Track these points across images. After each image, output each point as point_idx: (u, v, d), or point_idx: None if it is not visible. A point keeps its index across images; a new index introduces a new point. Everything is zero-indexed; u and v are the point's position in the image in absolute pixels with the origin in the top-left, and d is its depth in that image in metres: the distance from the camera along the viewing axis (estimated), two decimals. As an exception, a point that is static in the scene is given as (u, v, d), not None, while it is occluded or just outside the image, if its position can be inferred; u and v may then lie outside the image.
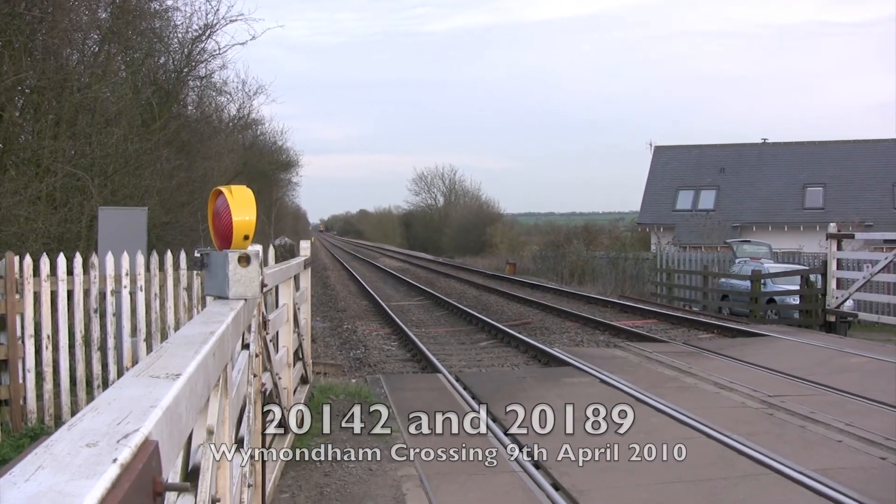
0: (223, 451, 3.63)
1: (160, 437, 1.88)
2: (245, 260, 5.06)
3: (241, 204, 5.27)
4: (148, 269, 12.94)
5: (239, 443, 5.32)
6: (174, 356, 2.74)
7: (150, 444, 1.78)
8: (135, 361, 12.74)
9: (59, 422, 11.89)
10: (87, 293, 12.42)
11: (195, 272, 13.29)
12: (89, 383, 12.40)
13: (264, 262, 9.69)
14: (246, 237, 5.25)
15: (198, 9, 53.82)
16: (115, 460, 1.59)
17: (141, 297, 12.79)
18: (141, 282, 12.79)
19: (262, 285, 5.90)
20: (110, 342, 12.56)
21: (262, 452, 6.92)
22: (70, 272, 12.24)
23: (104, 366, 12.59)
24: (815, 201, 60.50)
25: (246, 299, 5.05)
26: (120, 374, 12.57)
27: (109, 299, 12.58)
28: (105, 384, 12.44)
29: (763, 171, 64.14)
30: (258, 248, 5.49)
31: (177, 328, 13.25)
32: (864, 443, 10.54)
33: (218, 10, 30.81)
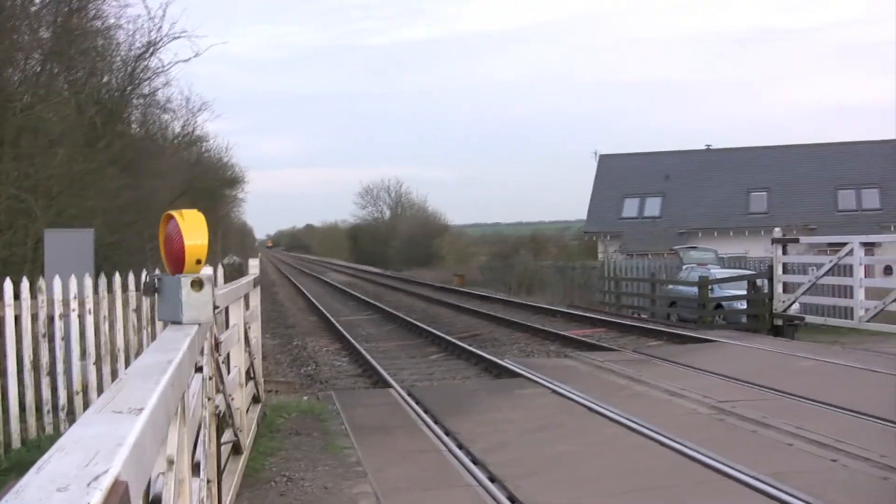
0: (183, 480, 3.62)
1: (129, 476, 1.87)
2: (198, 284, 5.05)
3: (193, 228, 5.25)
4: (96, 291, 12.84)
5: (195, 467, 5.29)
6: (135, 389, 2.73)
7: (121, 486, 1.77)
8: (84, 385, 12.65)
9: (9, 449, 11.76)
10: (34, 317, 12.28)
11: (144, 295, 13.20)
12: (39, 409, 12.27)
13: (214, 283, 9.65)
14: (198, 261, 5.23)
15: (140, 26, 53.24)
16: (87, 505, 1.59)
17: (90, 320, 12.69)
18: (90, 305, 12.68)
19: (214, 307, 5.88)
20: (60, 367, 12.44)
21: (218, 475, 6.89)
22: (17, 297, 12.12)
23: (54, 390, 12.46)
24: (760, 206, 61.17)
25: (199, 323, 5.03)
26: (70, 398, 12.49)
27: (58, 323, 12.47)
28: (55, 410, 12.33)
29: (707, 177, 64.71)
30: (210, 271, 5.48)
31: (126, 350, 13.17)
32: (815, 445, 10.62)
33: (161, 27, 30.56)
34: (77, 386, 12.47)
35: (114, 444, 1.96)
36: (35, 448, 11.55)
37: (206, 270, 5.37)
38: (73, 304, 12.52)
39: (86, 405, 12.56)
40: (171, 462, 3.26)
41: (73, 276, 12.58)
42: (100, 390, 12.65)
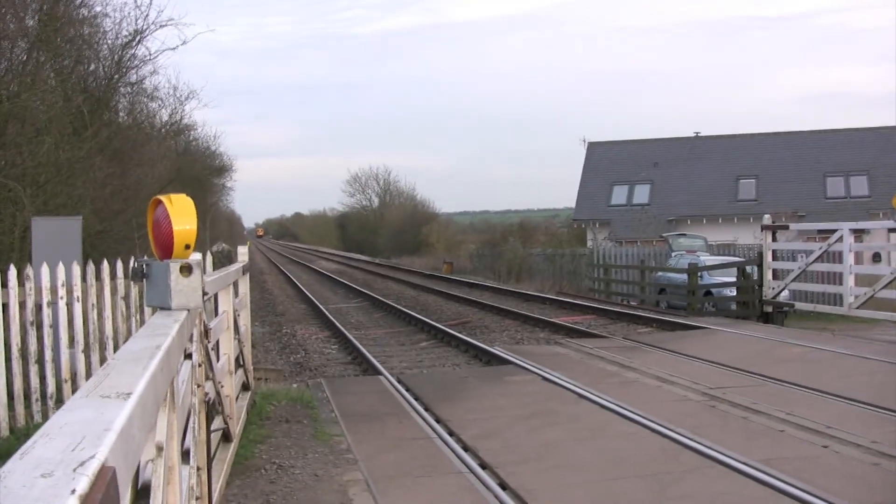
0: (173, 467, 3.57)
1: (116, 462, 1.81)
2: (187, 270, 4.99)
3: (182, 213, 5.19)
4: (84, 279, 12.76)
5: (185, 455, 5.24)
6: (123, 374, 2.67)
7: (108, 471, 1.72)
8: (73, 373, 12.58)
9: (-4, 437, 11.73)
10: (22, 305, 12.21)
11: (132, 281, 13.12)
12: (27, 397, 12.21)
13: (203, 270, 9.57)
14: (187, 246, 5.17)
15: (127, 14, 53.10)
16: (73, 491, 1.53)
17: (78, 307, 12.62)
18: (77, 292, 12.61)
19: (203, 294, 5.82)
20: (48, 354, 12.38)
21: (208, 463, 6.84)
22: (4, 285, 12.05)
23: (42, 378, 12.40)
24: (748, 193, 61.22)
25: (189, 309, 4.98)
26: (58, 386, 12.43)
27: (46, 311, 12.40)
28: (43, 398, 12.27)
29: (696, 164, 64.77)
30: (199, 257, 5.42)
31: (115, 338, 13.10)
32: (805, 432, 10.62)
33: (148, 15, 30.27)
34: (65, 374, 12.41)
35: (101, 429, 1.91)
36: (24, 436, 11.48)
37: (196, 256, 5.32)
38: (61, 292, 12.45)
39: (74, 393, 12.48)
40: (160, 449, 3.20)
41: (60, 263, 12.51)
42: (88, 378, 12.58)
